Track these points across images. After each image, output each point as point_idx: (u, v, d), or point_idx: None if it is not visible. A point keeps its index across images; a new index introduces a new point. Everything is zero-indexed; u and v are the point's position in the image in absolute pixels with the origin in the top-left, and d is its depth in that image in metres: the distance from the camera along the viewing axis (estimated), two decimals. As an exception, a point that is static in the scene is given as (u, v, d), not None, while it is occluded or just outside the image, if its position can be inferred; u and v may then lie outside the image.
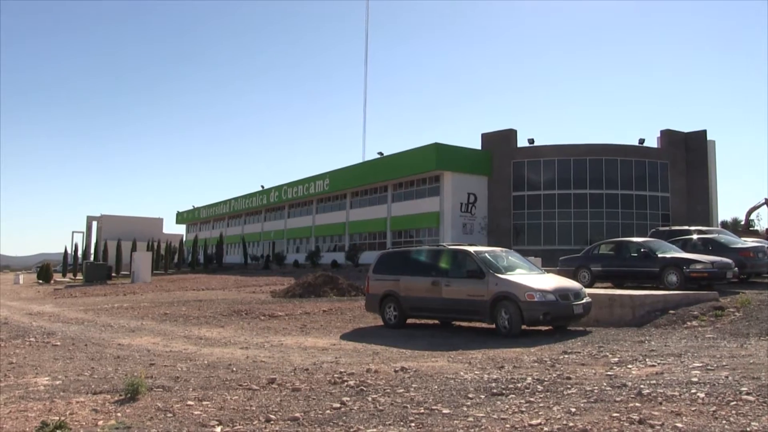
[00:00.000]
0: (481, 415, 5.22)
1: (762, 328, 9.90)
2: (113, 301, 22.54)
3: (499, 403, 5.66)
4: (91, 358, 9.44)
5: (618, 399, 5.51)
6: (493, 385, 6.44)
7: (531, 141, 39.73)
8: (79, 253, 56.45)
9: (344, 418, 5.31)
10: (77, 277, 47.43)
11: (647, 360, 7.60)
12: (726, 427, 4.47)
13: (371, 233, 44.79)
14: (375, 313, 13.78)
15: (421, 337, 11.50)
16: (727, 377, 6.14)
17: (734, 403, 5.11)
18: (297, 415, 5.42)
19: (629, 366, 7.27)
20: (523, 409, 5.36)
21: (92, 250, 59.04)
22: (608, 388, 5.96)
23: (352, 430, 4.94)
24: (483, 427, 4.86)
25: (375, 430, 4.90)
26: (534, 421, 4.90)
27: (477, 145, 41.30)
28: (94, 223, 74.78)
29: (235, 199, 65.52)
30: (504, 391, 6.09)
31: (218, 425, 5.19)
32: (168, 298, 22.55)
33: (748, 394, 5.35)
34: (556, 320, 11.16)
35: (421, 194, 40.78)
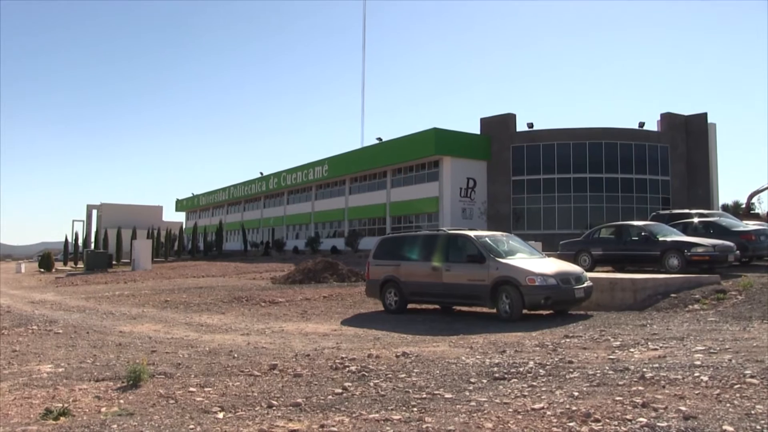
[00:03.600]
0: (484, 399, 5.22)
1: (765, 311, 9.89)
2: (114, 288, 22.56)
3: (501, 387, 5.65)
4: (93, 346, 9.44)
5: (621, 383, 5.51)
6: (495, 369, 6.43)
7: (530, 125, 39.56)
8: (80, 241, 56.57)
9: (346, 403, 5.31)
10: (78, 266, 47.51)
11: (649, 344, 7.60)
12: (730, 410, 4.46)
13: (371, 219, 44.76)
14: (375, 298, 13.78)
15: (422, 322, 11.50)
16: (730, 360, 6.13)
17: (738, 386, 5.10)
18: (299, 400, 5.42)
19: (631, 350, 7.27)
20: (526, 393, 5.35)
21: (93, 239, 59.18)
22: (611, 372, 5.96)
23: (354, 415, 4.93)
24: (485, 411, 4.85)
25: (377, 415, 4.89)
26: (536, 405, 4.89)
27: (476, 129, 41.15)
28: (94, 212, 74.82)
29: (234, 186, 65.41)
30: (506, 376, 6.09)
31: (220, 411, 5.19)
32: (168, 286, 22.57)
33: (752, 377, 5.34)
34: (557, 304, 11.16)
35: (420, 179, 40.68)
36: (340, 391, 5.77)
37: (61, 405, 5.38)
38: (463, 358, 7.26)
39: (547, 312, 11.52)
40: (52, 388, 6.33)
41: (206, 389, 6.07)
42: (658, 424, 4.18)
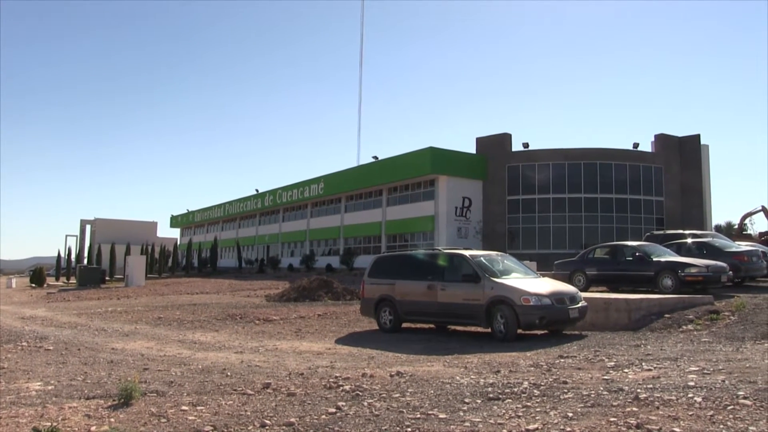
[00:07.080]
0: (478, 419, 5.19)
1: (757, 331, 9.91)
2: (107, 305, 22.40)
3: (495, 407, 5.62)
4: (84, 363, 9.35)
5: (615, 403, 5.49)
6: (490, 389, 6.40)
7: (526, 145, 39.84)
8: (73, 256, 56.13)
9: (340, 423, 5.27)
10: (71, 281, 47.13)
11: (643, 364, 7.59)
12: (724, 431, 4.45)
13: (366, 237, 44.77)
14: (370, 317, 13.73)
15: (417, 341, 11.46)
16: (723, 381, 6.12)
17: (731, 407, 5.09)
18: (292, 420, 5.37)
19: (626, 370, 7.26)
20: (520, 414, 5.33)
21: (86, 254, 58.86)
22: (605, 393, 5.94)
23: (347, 435, 4.89)
24: (479, 431, 4.82)
25: (371, 435, 4.85)
26: (531, 426, 4.87)
27: (472, 149, 41.43)
28: (88, 227, 74.63)
29: (230, 202, 65.43)
30: (500, 396, 6.06)
31: (213, 430, 5.14)
32: (162, 302, 22.43)
33: (745, 398, 5.34)
34: (551, 324, 11.15)
35: (416, 198, 40.79)
36: (333, 410, 5.73)
37: (49, 424, 5.31)
38: (458, 377, 7.22)
39: (542, 332, 11.50)
40: (41, 407, 6.25)
41: (198, 408, 6.01)
42: (653, 445, 4.16)
